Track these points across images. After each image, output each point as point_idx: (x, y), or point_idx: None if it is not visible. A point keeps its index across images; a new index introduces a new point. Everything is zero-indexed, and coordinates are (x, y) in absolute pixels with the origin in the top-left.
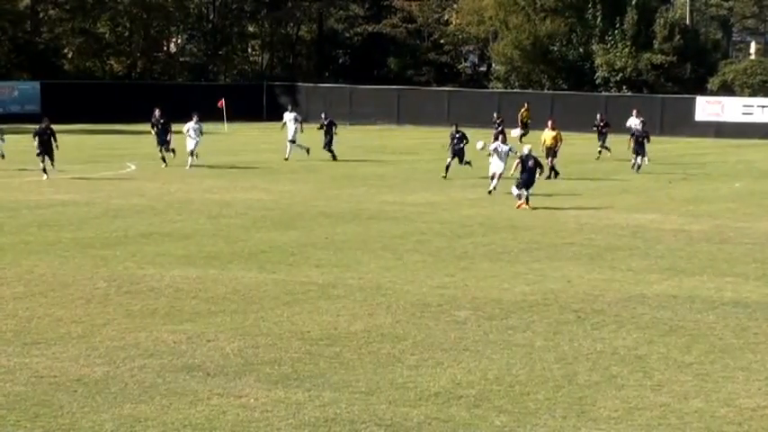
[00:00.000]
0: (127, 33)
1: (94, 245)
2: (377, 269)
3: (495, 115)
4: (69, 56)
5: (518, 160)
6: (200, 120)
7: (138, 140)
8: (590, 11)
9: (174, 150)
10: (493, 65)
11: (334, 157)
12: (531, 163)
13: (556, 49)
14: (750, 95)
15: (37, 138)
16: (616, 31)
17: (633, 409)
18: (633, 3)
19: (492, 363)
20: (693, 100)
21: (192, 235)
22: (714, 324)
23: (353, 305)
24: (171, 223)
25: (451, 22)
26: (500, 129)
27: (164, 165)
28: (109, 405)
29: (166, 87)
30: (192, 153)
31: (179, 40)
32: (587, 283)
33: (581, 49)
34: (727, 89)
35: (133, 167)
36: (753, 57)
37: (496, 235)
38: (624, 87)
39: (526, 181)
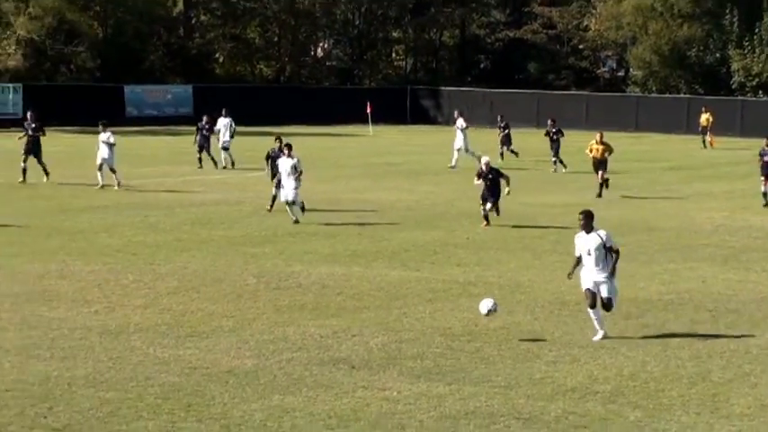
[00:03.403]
0: (276, 38)
1: (244, 243)
2: (516, 268)
3: (499, 118)
4: (220, 60)
5: (481, 175)
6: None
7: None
8: (727, 16)
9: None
10: (631, 69)
11: (565, 165)
12: (492, 175)
13: (693, 54)
14: None
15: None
16: (754, 36)
17: (766, 406)
18: None
19: (627, 360)
20: None
21: (337, 234)
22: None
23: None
24: (317, 222)
25: (590, 28)
26: (506, 132)
27: (200, 167)
28: (258, 396)
29: (313, 91)
30: (112, 170)
31: (326, 45)
32: (722, 284)
33: (717, 54)
34: None
35: (265, 171)
36: None
37: (632, 236)
38: (760, 92)
39: (493, 194)
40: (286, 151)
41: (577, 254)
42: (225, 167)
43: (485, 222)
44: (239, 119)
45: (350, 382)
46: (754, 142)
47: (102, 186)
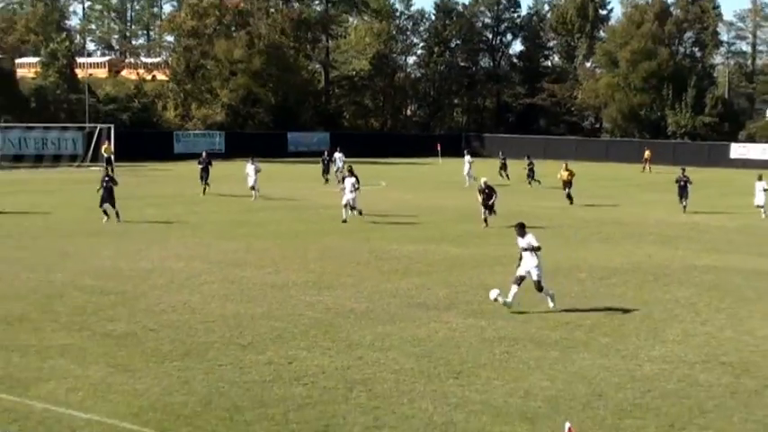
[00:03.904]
0: (381, 103)
1: (360, 230)
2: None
3: (500, 153)
4: (346, 117)
5: (481, 191)
6: (418, 156)
7: (388, 168)
8: (664, 89)
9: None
10: (603, 123)
11: (539, 182)
12: (488, 191)
13: (642, 113)
14: (766, 142)
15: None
16: (681, 102)
17: (689, 335)
18: (692, 84)
19: (600, 303)
20: (729, 145)
21: (417, 224)
22: (740, 284)
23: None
24: (406, 217)
25: (578, 97)
26: (503, 163)
27: (203, 195)
28: (368, 326)
29: (404, 136)
30: (253, 188)
31: (412, 108)
32: (660, 258)
33: (658, 113)
34: (750, 139)
35: (384, 184)
36: (767, 118)
37: (604, 228)
38: (686, 137)
39: (488, 204)
40: (347, 173)
41: (520, 250)
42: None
43: (484, 224)
44: (358, 153)
45: (425, 318)
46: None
47: (256, 198)
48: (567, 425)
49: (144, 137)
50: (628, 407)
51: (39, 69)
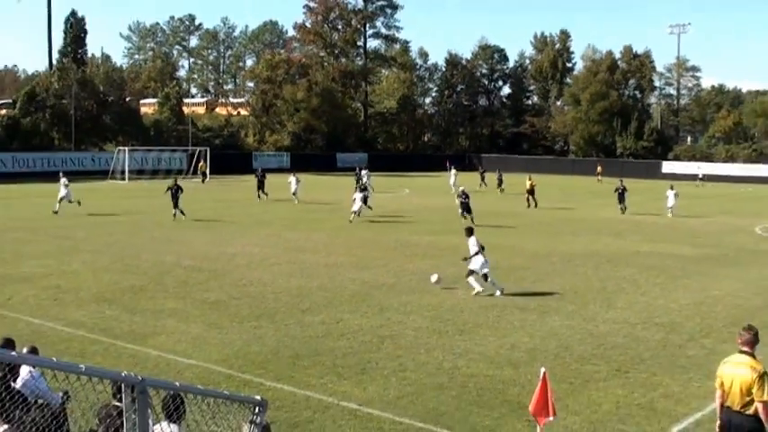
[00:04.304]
0: (405, 132)
1: (390, 223)
2: (519, 236)
3: (480, 168)
4: (380, 141)
5: (458, 197)
6: (432, 170)
7: (410, 179)
8: (614, 121)
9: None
10: (570, 146)
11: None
12: (464, 197)
13: (599, 139)
14: (687, 161)
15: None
16: (627, 131)
17: (632, 303)
18: (634, 118)
19: (568, 281)
20: (661, 163)
21: (433, 221)
22: (671, 265)
23: (501, 255)
24: (424, 214)
25: (551, 127)
26: (482, 174)
27: (258, 200)
28: (395, 295)
29: (422, 155)
30: (294, 194)
31: (428, 135)
32: (613, 246)
33: (610, 139)
34: (676, 158)
35: (407, 191)
36: (688, 143)
37: (569, 225)
38: (630, 157)
39: (466, 209)
40: (359, 189)
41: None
42: (373, 190)
43: (463, 219)
44: (389, 168)
45: (437, 290)
46: (625, 181)
47: (297, 202)
48: (543, 369)
49: (231, 156)
50: (587, 356)
51: (156, 107)
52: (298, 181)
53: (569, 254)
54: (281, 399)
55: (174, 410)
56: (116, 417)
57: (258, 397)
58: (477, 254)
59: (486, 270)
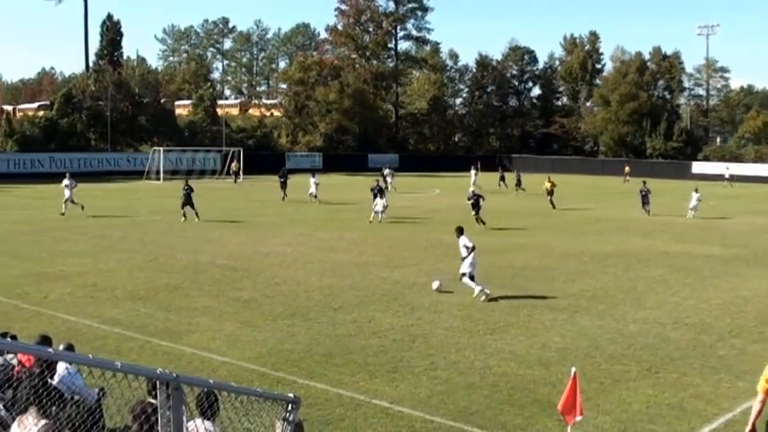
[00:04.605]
0: (436, 132)
1: (421, 223)
2: (529, 231)
3: (499, 168)
4: (411, 142)
5: (470, 198)
6: (461, 171)
7: (441, 179)
8: (644, 122)
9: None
10: (600, 146)
11: (484, 222)
12: (474, 198)
13: (628, 139)
14: (717, 161)
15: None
16: (656, 132)
17: (662, 303)
18: (664, 118)
19: (598, 281)
20: (691, 163)
21: (462, 220)
22: (701, 265)
23: (531, 255)
24: (454, 214)
25: (581, 127)
26: (502, 172)
27: (284, 200)
28: (426, 295)
29: (453, 156)
30: (315, 195)
31: (458, 135)
32: (642, 246)
33: (640, 140)
34: (706, 159)
35: (438, 191)
36: (718, 144)
37: (597, 224)
38: (659, 157)
39: (475, 209)
40: (377, 191)
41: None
42: (395, 189)
43: (481, 224)
44: (420, 169)
45: (466, 290)
46: (655, 181)
47: (316, 202)
48: (573, 369)
49: (264, 157)
50: (617, 356)
51: (191, 109)
52: (317, 183)
53: (599, 254)
54: (314, 396)
55: (209, 407)
56: (151, 413)
57: (291, 394)
58: (467, 256)
59: (471, 270)
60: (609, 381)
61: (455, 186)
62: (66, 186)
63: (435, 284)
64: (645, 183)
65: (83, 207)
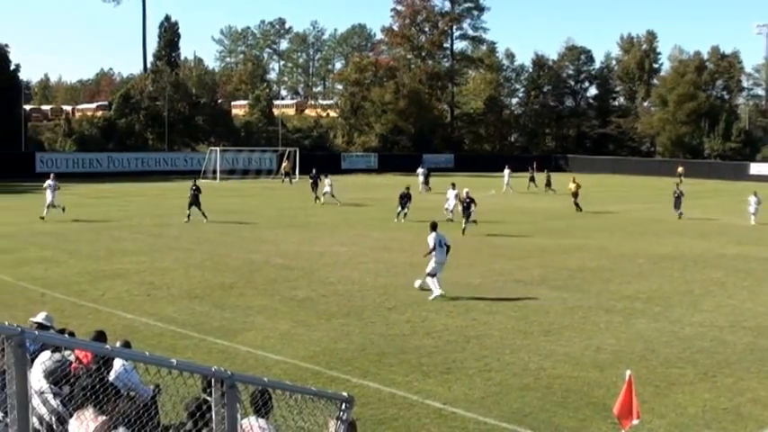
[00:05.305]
0: (491, 132)
1: (476, 225)
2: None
3: (529, 168)
4: (467, 142)
5: (462, 201)
6: (518, 171)
7: (496, 180)
8: (702, 123)
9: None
10: (657, 147)
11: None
12: (467, 201)
13: (686, 140)
14: None
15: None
16: (714, 132)
17: (719, 306)
18: (722, 119)
19: (654, 283)
20: (749, 164)
21: (517, 221)
22: (758, 267)
23: (588, 255)
24: (509, 215)
25: (638, 128)
26: (532, 173)
27: (316, 202)
28: (480, 296)
29: (509, 156)
30: (333, 195)
31: (514, 135)
32: (699, 248)
33: (698, 140)
34: (765, 159)
35: (493, 192)
36: None
37: (655, 225)
38: (717, 158)
39: (464, 212)
40: (406, 192)
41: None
42: (429, 190)
43: (461, 233)
44: (476, 169)
45: (523, 290)
46: (712, 182)
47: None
48: (628, 372)
49: (319, 157)
50: (673, 359)
51: (247, 109)
52: (330, 184)
53: (655, 255)
54: (367, 396)
55: (263, 405)
56: (205, 411)
57: (345, 393)
58: (431, 252)
59: (436, 268)
60: (664, 384)
61: (512, 187)
62: (49, 187)
63: (417, 283)
64: (678, 184)
65: (64, 209)
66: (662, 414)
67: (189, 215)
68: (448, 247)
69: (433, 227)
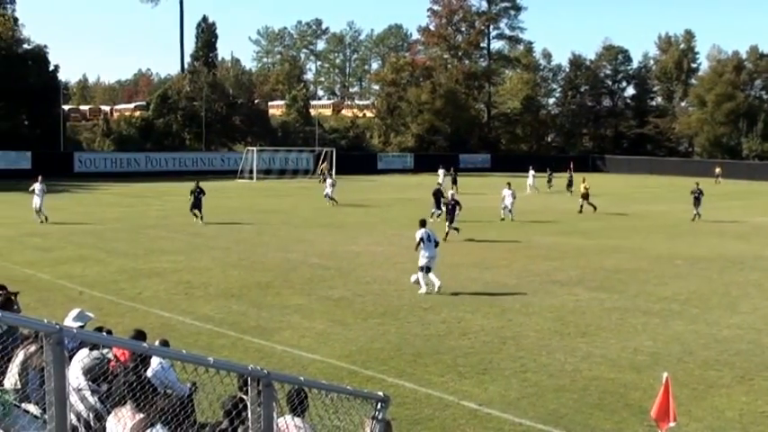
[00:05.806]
0: (528, 132)
1: (513, 226)
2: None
3: (547, 170)
4: (503, 142)
5: (447, 203)
6: (556, 171)
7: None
8: (740, 123)
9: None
10: (695, 148)
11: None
12: (452, 204)
13: (724, 140)
14: None
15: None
16: (753, 132)
17: (757, 308)
18: (761, 119)
19: (692, 284)
20: None
21: (555, 222)
22: (762, 263)
23: (624, 257)
24: (547, 215)
25: (676, 128)
26: (550, 174)
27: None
28: (517, 296)
29: (544, 156)
30: (331, 198)
31: (551, 135)
32: (737, 249)
33: (736, 140)
34: None
35: (529, 191)
36: None
37: (693, 226)
38: (756, 159)
39: (449, 216)
40: (438, 189)
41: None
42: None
43: (443, 238)
44: (512, 169)
45: (560, 291)
46: (750, 183)
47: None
48: (665, 374)
49: (356, 157)
50: (711, 362)
51: (284, 109)
52: (333, 184)
53: (692, 257)
54: (403, 396)
55: (299, 404)
56: (242, 409)
57: (381, 393)
58: (418, 246)
59: (428, 263)
60: (702, 387)
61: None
62: (37, 191)
63: (413, 278)
64: (697, 184)
65: (46, 218)
66: (699, 417)
67: (200, 217)
68: (437, 243)
69: (422, 223)
